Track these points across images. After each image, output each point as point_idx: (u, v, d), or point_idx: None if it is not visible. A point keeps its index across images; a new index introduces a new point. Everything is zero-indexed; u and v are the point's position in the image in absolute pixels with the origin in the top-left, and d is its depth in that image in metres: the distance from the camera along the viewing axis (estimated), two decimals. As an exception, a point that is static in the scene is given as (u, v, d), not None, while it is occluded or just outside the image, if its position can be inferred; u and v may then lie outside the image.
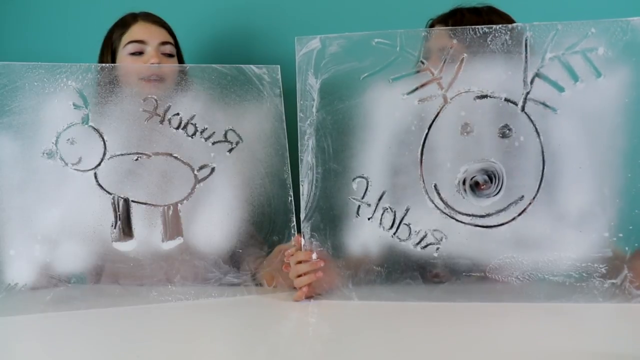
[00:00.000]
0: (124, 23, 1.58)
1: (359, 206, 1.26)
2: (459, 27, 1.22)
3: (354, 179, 1.26)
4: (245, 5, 1.90)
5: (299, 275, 1.26)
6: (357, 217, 1.26)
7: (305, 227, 1.27)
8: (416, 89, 1.24)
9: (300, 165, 1.28)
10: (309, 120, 1.28)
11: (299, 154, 1.28)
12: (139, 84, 1.41)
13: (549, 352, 0.91)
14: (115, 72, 1.38)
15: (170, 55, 1.57)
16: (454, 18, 1.36)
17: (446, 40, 1.23)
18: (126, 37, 1.56)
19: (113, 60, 1.58)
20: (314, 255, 1.26)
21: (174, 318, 1.20)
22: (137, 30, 1.56)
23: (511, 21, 1.35)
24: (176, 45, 1.61)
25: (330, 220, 1.27)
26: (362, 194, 1.26)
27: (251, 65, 1.39)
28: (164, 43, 1.56)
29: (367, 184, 1.26)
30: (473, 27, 1.21)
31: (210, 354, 0.98)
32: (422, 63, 1.23)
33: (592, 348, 0.94)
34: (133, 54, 1.54)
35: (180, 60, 1.62)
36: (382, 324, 1.12)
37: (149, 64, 1.50)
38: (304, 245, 1.28)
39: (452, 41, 1.21)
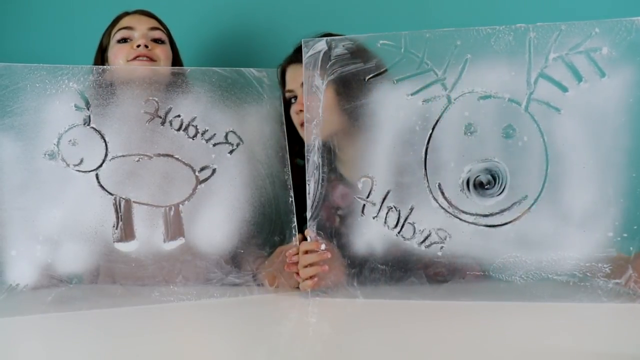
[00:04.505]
0: (115, 20, 1.57)
1: (364, 205, 1.26)
2: (463, 29, 1.23)
3: (359, 178, 1.27)
4: (246, 6, 1.91)
5: (306, 266, 1.27)
6: (362, 215, 1.27)
7: (311, 225, 1.27)
8: (420, 89, 1.24)
9: (306, 165, 1.28)
10: (315, 120, 1.28)
11: (306, 154, 1.28)
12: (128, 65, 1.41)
13: (553, 352, 0.91)
14: (115, 73, 1.38)
15: (159, 41, 1.54)
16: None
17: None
18: (115, 28, 1.54)
19: (103, 58, 1.56)
20: (323, 246, 1.27)
21: (176, 318, 1.19)
22: (126, 20, 1.55)
23: None
24: (169, 37, 1.59)
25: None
26: (367, 193, 1.26)
27: (251, 69, 1.40)
28: (153, 28, 1.54)
29: (372, 183, 1.26)
30: (477, 28, 1.22)
31: (211, 354, 0.98)
32: (427, 64, 1.24)
33: (596, 348, 0.95)
34: (120, 41, 1.52)
35: (176, 55, 1.59)
36: (383, 323, 1.12)
37: (136, 45, 1.48)
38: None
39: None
